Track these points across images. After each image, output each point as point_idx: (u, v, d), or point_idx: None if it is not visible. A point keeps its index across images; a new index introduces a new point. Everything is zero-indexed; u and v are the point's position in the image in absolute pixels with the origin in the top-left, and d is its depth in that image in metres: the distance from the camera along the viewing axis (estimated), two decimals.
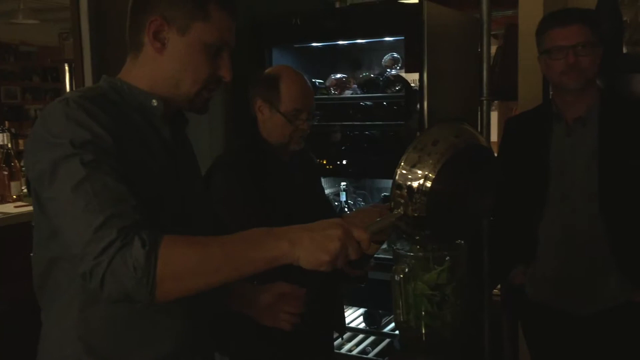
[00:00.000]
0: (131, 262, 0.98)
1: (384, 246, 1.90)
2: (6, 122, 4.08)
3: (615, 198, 1.86)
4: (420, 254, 1.27)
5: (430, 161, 1.15)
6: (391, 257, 1.36)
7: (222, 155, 1.93)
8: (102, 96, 1.16)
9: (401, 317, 1.30)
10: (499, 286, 2.62)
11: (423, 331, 1.31)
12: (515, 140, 2.12)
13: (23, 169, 3.58)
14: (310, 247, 1.03)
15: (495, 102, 4.42)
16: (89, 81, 2.04)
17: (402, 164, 1.18)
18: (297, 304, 1.41)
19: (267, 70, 1.93)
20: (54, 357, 1.19)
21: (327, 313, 1.96)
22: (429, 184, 1.14)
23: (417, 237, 1.23)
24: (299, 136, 1.84)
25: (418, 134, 1.27)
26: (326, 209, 2.04)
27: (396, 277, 1.26)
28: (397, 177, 1.17)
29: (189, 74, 1.18)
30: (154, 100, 1.20)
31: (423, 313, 1.30)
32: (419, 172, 1.15)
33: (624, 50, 2.45)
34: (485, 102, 2.75)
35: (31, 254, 2.24)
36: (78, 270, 1.02)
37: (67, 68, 7.53)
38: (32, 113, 9.08)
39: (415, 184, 1.15)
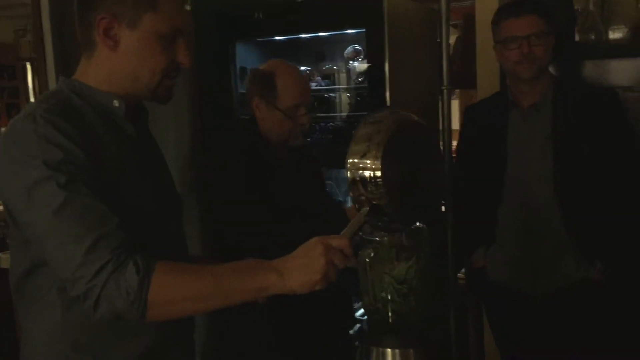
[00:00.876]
0: (125, 286, 1.01)
1: None
2: None
3: (568, 181, 1.94)
4: (386, 238, 1.32)
5: (373, 151, 1.20)
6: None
7: (215, 158, 1.91)
8: (64, 102, 1.15)
9: (368, 301, 1.35)
10: (463, 270, 2.70)
11: (390, 315, 1.37)
12: (474, 127, 2.19)
13: None
14: (299, 273, 1.08)
15: (457, 90, 4.51)
16: (52, 80, 2.03)
17: (350, 160, 1.22)
18: None
19: (261, 67, 1.91)
20: (40, 355, 1.20)
21: (339, 307, 2.00)
22: (378, 173, 1.19)
23: (380, 223, 1.28)
24: (298, 131, 1.85)
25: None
26: (327, 200, 2.06)
27: (362, 262, 1.30)
28: (348, 175, 1.22)
29: (147, 66, 1.17)
30: (115, 101, 1.19)
31: (389, 299, 1.35)
32: (368, 162, 1.20)
33: (576, 38, 2.54)
34: (445, 91, 2.82)
35: None
36: (70, 293, 1.04)
37: (29, 67, 7.36)
38: None
39: (367, 174, 1.20)
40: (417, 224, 1.35)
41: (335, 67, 2.82)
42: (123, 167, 1.17)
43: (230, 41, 2.71)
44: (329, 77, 2.82)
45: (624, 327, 2.08)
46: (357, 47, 2.75)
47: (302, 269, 1.08)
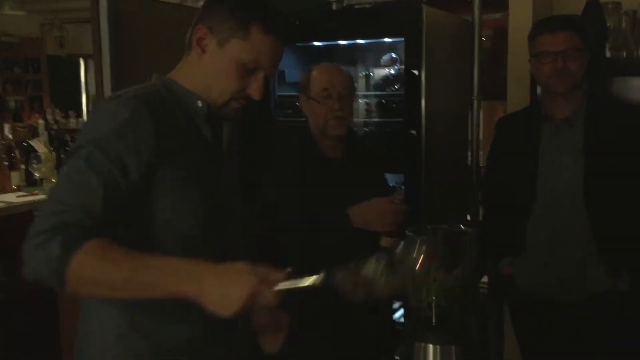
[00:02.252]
0: (47, 255, 1.08)
1: None
2: None
3: (598, 194, 1.98)
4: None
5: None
6: None
7: (272, 155, 2.10)
8: (154, 94, 1.25)
9: (414, 302, 1.41)
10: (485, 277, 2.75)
11: (433, 315, 1.42)
12: (506, 139, 2.24)
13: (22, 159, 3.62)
14: (217, 298, 1.07)
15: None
16: (107, 76, 2.13)
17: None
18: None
19: None
20: (99, 332, 1.28)
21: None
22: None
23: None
24: (333, 117, 1.91)
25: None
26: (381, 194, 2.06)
27: (409, 261, 1.37)
28: None
29: (218, 84, 1.27)
30: (199, 102, 1.29)
31: (436, 302, 1.41)
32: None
33: (608, 54, 2.59)
34: (475, 101, 2.90)
35: None
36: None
37: (82, 63, 7.52)
38: (12, 104, 9.03)
39: None
40: (462, 226, 1.42)
41: (371, 74, 2.89)
42: (192, 162, 1.26)
43: None
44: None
45: None
46: (394, 55, 2.83)
47: (222, 295, 1.07)
